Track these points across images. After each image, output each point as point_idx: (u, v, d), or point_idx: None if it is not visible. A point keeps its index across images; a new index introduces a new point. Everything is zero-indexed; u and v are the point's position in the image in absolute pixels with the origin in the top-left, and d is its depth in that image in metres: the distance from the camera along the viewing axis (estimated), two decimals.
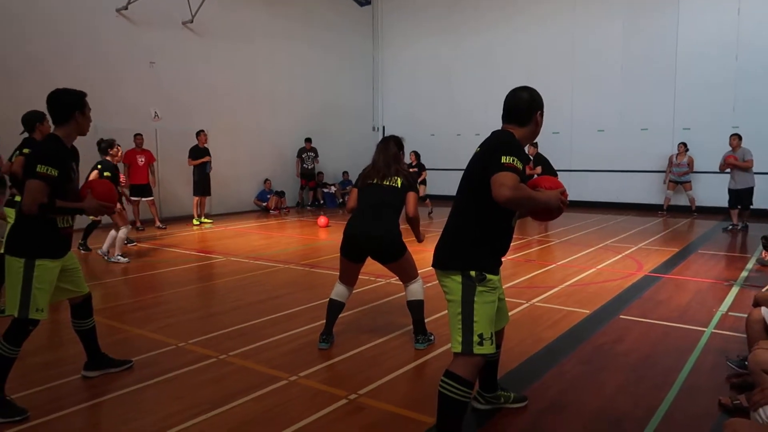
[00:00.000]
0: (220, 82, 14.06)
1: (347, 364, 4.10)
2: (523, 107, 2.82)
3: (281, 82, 15.65)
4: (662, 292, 6.18)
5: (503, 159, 2.53)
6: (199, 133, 12.28)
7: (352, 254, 4.30)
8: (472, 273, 2.67)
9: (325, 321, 4.48)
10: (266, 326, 5.00)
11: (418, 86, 18.14)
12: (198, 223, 12.24)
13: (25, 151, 5.07)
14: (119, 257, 7.99)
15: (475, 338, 2.64)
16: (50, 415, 3.30)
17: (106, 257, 8.09)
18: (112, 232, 8.18)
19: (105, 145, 8.13)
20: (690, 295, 6.08)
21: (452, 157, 16.47)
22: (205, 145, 12.37)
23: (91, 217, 7.98)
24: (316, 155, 15.74)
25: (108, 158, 8.10)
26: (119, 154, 8.36)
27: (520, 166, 2.54)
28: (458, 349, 2.69)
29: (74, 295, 3.79)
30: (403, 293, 5.98)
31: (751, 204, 10.67)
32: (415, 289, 4.40)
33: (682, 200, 13.51)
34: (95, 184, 3.78)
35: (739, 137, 10.68)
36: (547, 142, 13.15)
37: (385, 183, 4.27)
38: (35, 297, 3.32)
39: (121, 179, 8.89)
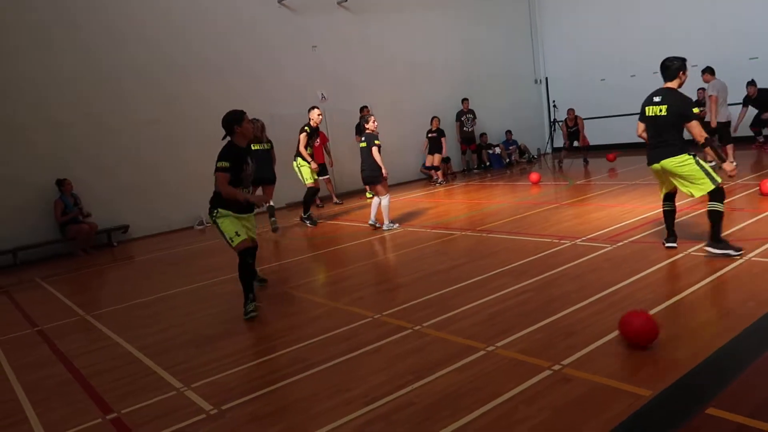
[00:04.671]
0: (379, 57, 14.33)
1: (543, 333, 3.96)
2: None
3: (437, 48, 15.51)
4: None
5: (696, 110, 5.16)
6: (362, 110, 12.67)
7: None
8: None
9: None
10: (453, 296, 5.03)
11: (581, 30, 16.78)
12: (371, 196, 12.72)
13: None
14: (391, 224, 8.55)
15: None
16: (272, 386, 3.66)
17: (377, 225, 8.65)
18: (376, 201, 8.72)
19: (362, 122, 8.96)
20: None
21: (626, 102, 15.12)
22: None
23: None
24: (475, 117, 15.44)
25: (368, 131, 8.55)
26: (376, 124, 8.73)
27: None
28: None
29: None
30: (596, 254, 5.68)
31: None
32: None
33: None
34: None
35: None
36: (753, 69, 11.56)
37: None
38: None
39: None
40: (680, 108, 5.12)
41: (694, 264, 5.05)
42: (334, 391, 3.48)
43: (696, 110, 5.12)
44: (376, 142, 8.39)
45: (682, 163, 5.10)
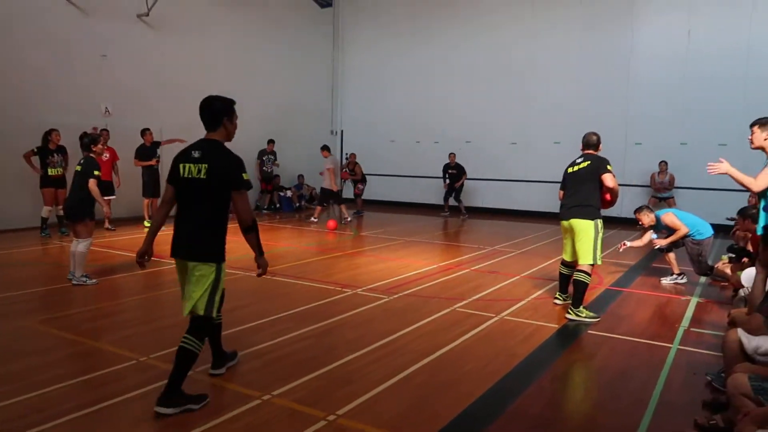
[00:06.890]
0: (176, 78, 13.56)
1: (322, 381, 3.95)
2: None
3: (239, 79, 15.23)
4: (625, 306, 6.32)
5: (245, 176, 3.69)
6: (145, 132, 11.73)
7: None
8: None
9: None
10: (231, 340, 4.75)
11: (378, 91, 18.06)
12: (150, 225, 11.74)
13: None
14: (84, 278, 6.66)
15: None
16: None
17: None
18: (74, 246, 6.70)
19: (88, 141, 6.85)
20: (651, 309, 6.23)
21: (412, 164, 16.60)
22: (153, 143, 11.86)
23: None
24: (276, 158, 15.44)
25: (92, 155, 6.82)
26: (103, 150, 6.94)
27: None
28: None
29: None
30: (375, 304, 5.91)
31: None
32: None
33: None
34: None
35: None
36: (512, 153, 13.55)
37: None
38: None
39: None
40: (225, 169, 3.51)
41: (458, 319, 5.55)
42: None
43: (245, 176, 3.64)
44: (96, 173, 6.62)
45: (205, 269, 3.62)
